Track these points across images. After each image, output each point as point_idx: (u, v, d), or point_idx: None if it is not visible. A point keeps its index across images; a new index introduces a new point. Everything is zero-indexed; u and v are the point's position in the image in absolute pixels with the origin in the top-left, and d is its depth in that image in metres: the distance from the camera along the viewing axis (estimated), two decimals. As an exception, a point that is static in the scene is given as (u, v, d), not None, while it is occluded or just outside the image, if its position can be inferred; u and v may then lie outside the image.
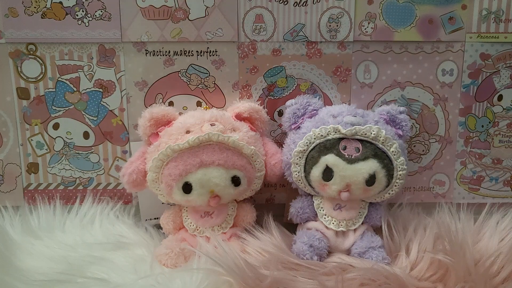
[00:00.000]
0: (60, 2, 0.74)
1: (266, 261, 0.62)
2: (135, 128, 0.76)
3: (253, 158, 0.68)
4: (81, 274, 0.61)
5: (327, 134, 0.66)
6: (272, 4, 0.75)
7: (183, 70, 0.77)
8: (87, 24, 0.74)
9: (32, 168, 0.79)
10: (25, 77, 0.76)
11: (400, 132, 0.70)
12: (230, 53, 0.76)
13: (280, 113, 0.78)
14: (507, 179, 0.82)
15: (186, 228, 0.70)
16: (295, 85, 0.78)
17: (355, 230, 0.69)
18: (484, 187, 0.82)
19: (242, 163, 0.67)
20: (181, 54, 0.76)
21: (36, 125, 0.78)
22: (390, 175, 0.66)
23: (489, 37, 0.77)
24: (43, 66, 0.76)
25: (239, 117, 0.71)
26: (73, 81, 0.77)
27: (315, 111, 0.71)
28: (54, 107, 0.77)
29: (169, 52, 0.76)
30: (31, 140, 0.78)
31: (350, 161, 0.65)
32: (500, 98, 0.79)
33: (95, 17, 0.74)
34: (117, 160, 0.79)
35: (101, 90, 0.77)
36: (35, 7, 0.73)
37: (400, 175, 0.67)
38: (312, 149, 0.67)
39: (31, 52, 0.75)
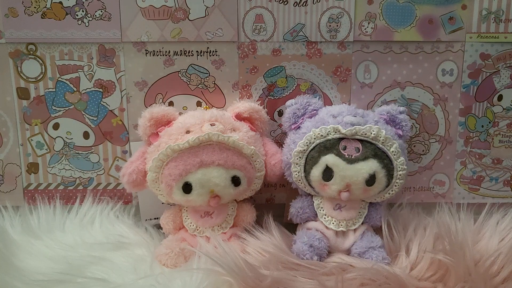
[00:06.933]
0: (60, 2, 0.74)
1: (266, 261, 0.62)
2: (135, 128, 0.76)
3: (253, 158, 0.68)
4: (81, 274, 0.61)
5: (327, 134, 0.66)
6: (272, 4, 0.75)
7: (183, 70, 0.77)
8: (87, 24, 0.74)
9: (32, 168, 0.79)
10: (25, 77, 0.76)
11: (400, 132, 0.70)
12: (230, 53, 0.76)
13: (280, 113, 0.78)
14: (507, 179, 0.82)
15: (186, 228, 0.70)
16: (295, 85, 0.78)
17: (355, 230, 0.69)
18: (484, 187, 0.82)
19: (242, 163, 0.66)
20: (181, 54, 0.76)
21: (36, 125, 0.78)
22: (390, 175, 0.66)
23: (489, 37, 0.77)
24: (43, 66, 0.76)
25: (239, 117, 0.71)
26: (73, 81, 0.77)
27: (315, 111, 0.71)
28: (54, 107, 0.77)
29: (169, 52, 0.76)
30: (31, 140, 0.78)
31: (350, 161, 0.65)
32: (500, 98, 0.79)
33: (95, 17, 0.74)
34: (117, 160, 0.79)
35: (101, 90, 0.77)
36: (35, 7, 0.73)
37: (400, 175, 0.67)
38: (312, 149, 0.67)
39: (31, 52, 0.75)
